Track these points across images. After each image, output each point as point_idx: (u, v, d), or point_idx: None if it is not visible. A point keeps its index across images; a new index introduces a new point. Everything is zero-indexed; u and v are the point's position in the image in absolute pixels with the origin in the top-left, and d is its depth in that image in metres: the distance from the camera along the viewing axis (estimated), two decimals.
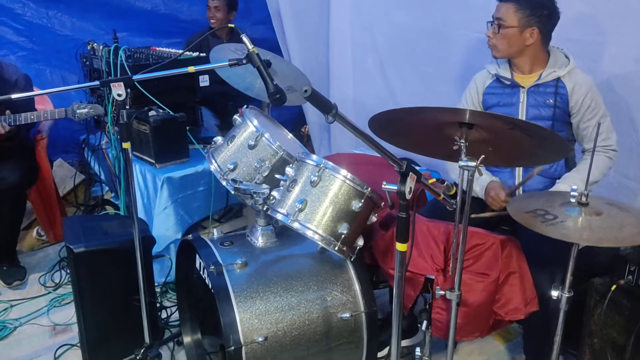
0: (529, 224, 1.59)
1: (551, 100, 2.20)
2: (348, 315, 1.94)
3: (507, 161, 1.97)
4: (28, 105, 2.90)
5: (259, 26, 4.46)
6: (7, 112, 2.77)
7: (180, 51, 3.40)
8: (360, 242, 1.92)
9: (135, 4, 4.06)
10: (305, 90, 1.07)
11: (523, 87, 2.25)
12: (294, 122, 4.58)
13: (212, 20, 3.86)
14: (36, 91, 3.14)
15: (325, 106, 1.13)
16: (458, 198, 1.65)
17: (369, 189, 1.85)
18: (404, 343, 2.42)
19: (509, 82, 2.28)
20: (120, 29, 3.65)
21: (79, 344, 2.44)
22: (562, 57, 2.23)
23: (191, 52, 3.24)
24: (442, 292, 1.76)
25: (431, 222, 1.98)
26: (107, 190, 3.67)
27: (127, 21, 3.97)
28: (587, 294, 2.06)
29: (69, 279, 2.95)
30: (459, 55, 2.96)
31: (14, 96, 2.04)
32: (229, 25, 2.09)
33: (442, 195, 1.67)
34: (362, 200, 1.84)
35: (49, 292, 2.94)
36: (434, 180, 1.70)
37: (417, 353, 1.99)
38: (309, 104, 1.15)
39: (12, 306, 2.82)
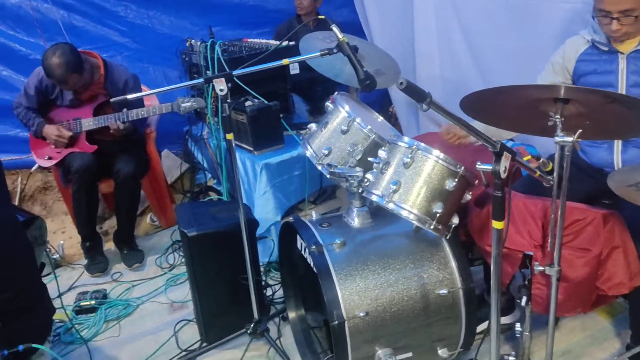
0: (631, 197, 1.56)
1: None
2: (446, 292, 1.99)
3: (606, 135, 1.91)
4: (138, 102, 3.17)
5: (342, 9, 4.49)
6: (124, 109, 3.06)
7: (272, 41, 3.56)
8: (455, 220, 1.95)
9: None
10: (401, 83, 1.13)
11: (622, 53, 2.15)
12: (380, 102, 4.61)
13: (299, 8, 3.96)
14: (144, 89, 3.43)
15: (420, 95, 1.18)
16: (555, 174, 1.64)
17: (463, 168, 1.88)
18: (501, 320, 2.43)
19: (606, 48, 2.19)
20: (213, 24, 3.86)
21: (194, 320, 2.68)
22: None
23: (280, 42, 3.36)
24: (541, 268, 1.77)
25: (528, 199, 1.98)
26: (210, 177, 3.92)
27: (219, 16, 4.16)
28: None
29: (182, 260, 3.23)
30: (549, 29, 2.83)
31: (129, 96, 2.25)
32: (319, 17, 2.17)
33: (538, 172, 1.67)
34: (456, 180, 1.87)
35: (165, 273, 3.22)
36: (529, 157, 1.70)
37: (517, 328, 2.01)
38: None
39: (133, 286, 3.12)
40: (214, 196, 3.75)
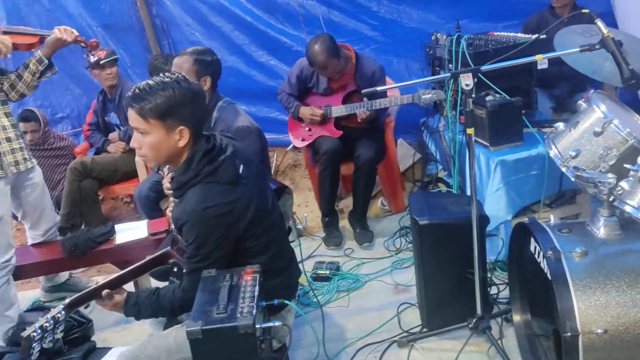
0: None
1: None
2: None
3: None
4: (382, 93, 3.38)
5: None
6: (364, 99, 3.30)
7: (519, 35, 3.43)
8: None
9: None
10: None
11: None
12: (638, 103, 4.10)
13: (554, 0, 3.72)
14: (388, 80, 3.65)
15: None
16: None
17: None
18: None
19: None
20: (460, 16, 3.86)
21: (417, 304, 2.79)
22: None
23: (530, 36, 3.23)
24: None
25: None
26: (441, 169, 3.98)
27: (465, 8, 4.12)
28: None
29: (408, 246, 3.37)
30: None
31: (379, 88, 2.45)
32: (583, 10, 2.05)
33: None
34: None
35: (392, 255, 3.38)
36: None
37: None
38: None
39: (362, 263, 3.35)
40: (442, 188, 3.79)
